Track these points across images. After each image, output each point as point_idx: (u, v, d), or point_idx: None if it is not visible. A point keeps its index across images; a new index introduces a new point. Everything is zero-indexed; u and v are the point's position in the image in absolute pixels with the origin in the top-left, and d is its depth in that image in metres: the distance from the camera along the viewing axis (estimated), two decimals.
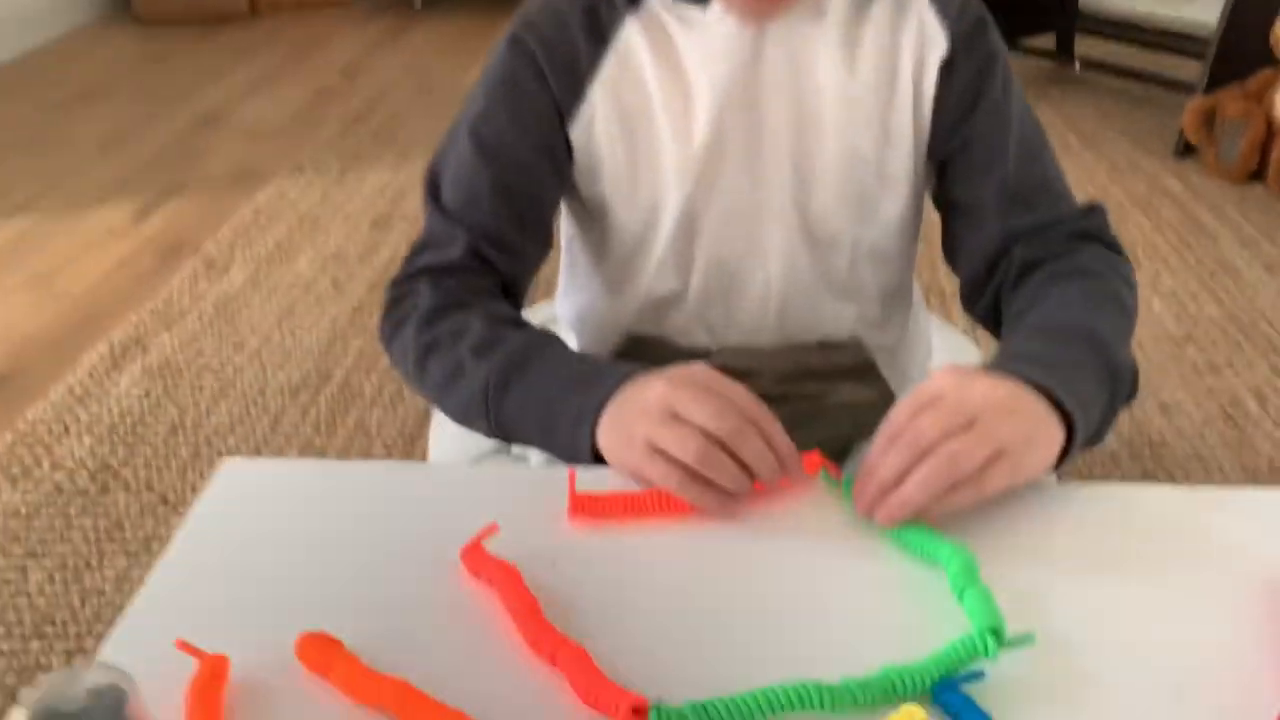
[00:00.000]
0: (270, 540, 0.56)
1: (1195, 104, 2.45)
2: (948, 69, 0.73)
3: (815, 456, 0.60)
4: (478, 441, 1.01)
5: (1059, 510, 0.59)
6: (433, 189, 0.76)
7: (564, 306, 0.91)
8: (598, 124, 0.74)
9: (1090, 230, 0.74)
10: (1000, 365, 0.61)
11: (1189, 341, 1.79)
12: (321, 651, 0.48)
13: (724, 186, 0.75)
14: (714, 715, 0.44)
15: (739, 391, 0.58)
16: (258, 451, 1.53)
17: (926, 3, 0.73)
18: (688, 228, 0.77)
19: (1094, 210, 0.76)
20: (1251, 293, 1.95)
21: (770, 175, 0.74)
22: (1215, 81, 2.49)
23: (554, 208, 0.79)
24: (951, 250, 0.80)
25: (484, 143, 0.74)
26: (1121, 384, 0.64)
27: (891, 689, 0.46)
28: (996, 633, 0.48)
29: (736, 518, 0.57)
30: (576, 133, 0.74)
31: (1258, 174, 2.39)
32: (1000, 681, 0.47)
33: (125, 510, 1.41)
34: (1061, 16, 3.14)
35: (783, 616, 0.51)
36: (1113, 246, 0.75)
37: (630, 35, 0.72)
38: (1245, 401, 1.63)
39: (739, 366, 0.64)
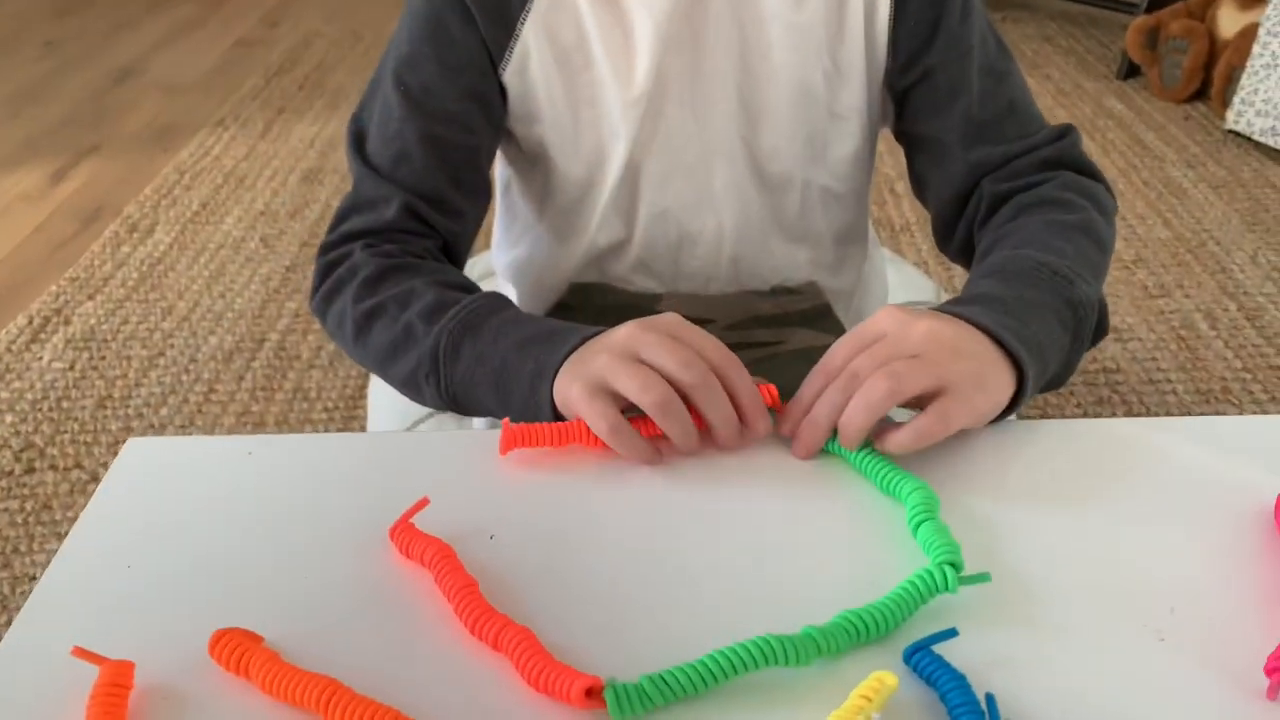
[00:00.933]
0: (181, 528, 0.51)
1: (1138, 23, 2.43)
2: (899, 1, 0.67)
3: (772, 390, 0.56)
4: (417, 407, 0.97)
5: (1017, 447, 0.56)
6: (357, 142, 0.70)
7: (500, 257, 0.85)
8: (532, 65, 0.68)
9: (1062, 157, 0.70)
10: (950, 307, 0.57)
11: (1139, 264, 1.78)
12: (239, 649, 0.43)
13: (667, 129, 0.70)
14: (674, 686, 0.41)
15: (711, 343, 0.54)
16: (191, 422, 1.46)
17: None
18: (630, 173, 0.72)
19: (1065, 134, 0.71)
20: (1199, 213, 1.94)
21: (716, 115, 0.70)
22: (1157, 1, 2.47)
23: (490, 159, 0.73)
24: (919, 187, 0.76)
25: (410, 91, 0.68)
26: (1085, 322, 0.60)
27: (854, 633, 0.43)
28: (954, 565, 0.45)
29: (656, 464, 0.54)
30: (510, 76, 0.69)
31: (1200, 93, 2.38)
32: (973, 637, 0.44)
33: (54, 490, 1.35)
34: None
35: (738, 573, 0.48)
36: (1086, 170, 0.71)
37: None
38: (1196, 323, 1.63)
39: (689, 314, 0.59)
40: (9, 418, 1.47)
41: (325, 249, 0.70)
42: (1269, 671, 0.41)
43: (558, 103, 0.70)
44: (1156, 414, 1.45)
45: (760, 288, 0.78)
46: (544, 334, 0.59)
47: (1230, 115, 2.18)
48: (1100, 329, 0.63)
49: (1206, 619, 0.45)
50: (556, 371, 0.56)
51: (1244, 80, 2.13)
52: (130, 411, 1.49)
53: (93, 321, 1.68)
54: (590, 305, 0.80)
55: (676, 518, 0.51)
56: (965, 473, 0.53)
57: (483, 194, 0.73)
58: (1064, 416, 1.44)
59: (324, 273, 0.68)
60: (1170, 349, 1.57)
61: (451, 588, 0.45)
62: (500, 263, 0.86)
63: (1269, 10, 2.07)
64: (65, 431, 1.45)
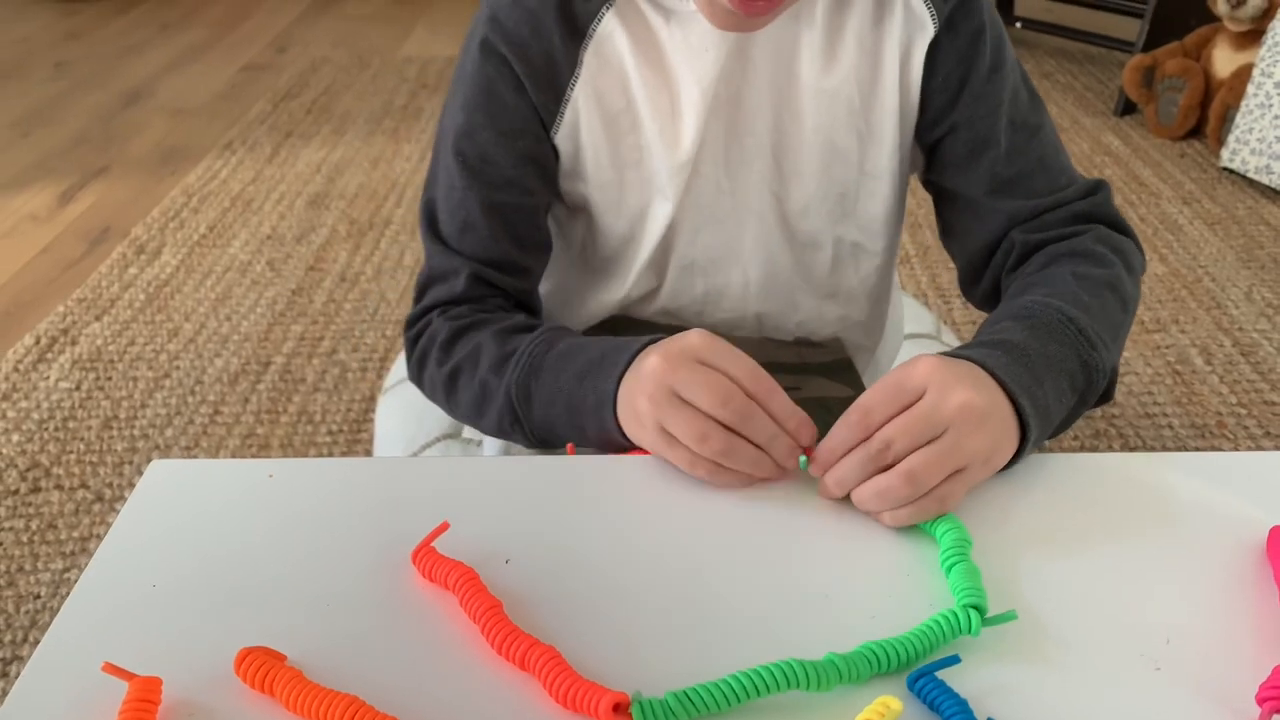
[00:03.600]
0: (205, 548, 0.52)
1: (1134, 62, 2.47)
2: (934, 51, 0.68)
3: (812, 430, 0.58)
4: (424, 428, 0.99)
5: (1018, 482, 0.58)
6: (429, 219, 0.74)
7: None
8: (582, 128, 0.70)
9: (1094, 211, 0.71)
10: (978, 351, 0.58)
11: None
12: (263, 667, 0.44)
13: (700, 186, 0.71)
14: (698, 703, 0.42)
15: (738, 362, 0.56)
16: (196, 443, 1.47)
17: None
18: (669, 229, 0.74)
19: (1097, 190, 0.72)
20: (1194, 249, 1.97)
21: (750, 174, 0.71)
22: (1154, 39, 2.51)
23: (544, 213, 0.75)
24: (947, 235, 0.77)
25: (468, 161, 0.70)
26: (1094, 386, 0.62)
27: (875, 663, 0.45)
28: (979, 609, 0.47)
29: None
30: (561, 139, 0.71)
31: (1196, 130, 2.42)
32: (975, 664, 0.45)
33: (59, 510, 1.35)
34: None
35: (761, 597, 0.49)
36: (1118, 227, 0.72)
37: (609, 29, 0.67)
38: (1192, 358, 1.65)
39: None
40: (15, 437, 1.48)
41: (410, 323, 0.74)
42: (1260, 701, 0.43)
43: (604, 164, 0.71)
44: (1153, 448, 1.46)
45: (784, 339, 0.80)
46: (595, 363, 0.61)
47: (1225, 153, 2.21)
48: (1107, 394, 0.64)
49: (1201, 650, 0.47)
50: (615, 400, 0.59)
51: (1238, 119, 2.16)
52: (136, 432, 1.50)
53: (99, 342, 1.70)
54: (614, 334, 0.81)
55: (699, 539, 0.53)
56: (965, 506, 0.55)
57: (545, 248, 0.76)
58: (1061, 450, 1.46)
59: (411, 345, 0.73)
60: (1166, 384, 1.59)
61: (477, 609, 0.46)
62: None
63: (1263, 51, 2.10)
64: (71, 451, 1.46)
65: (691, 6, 0.65)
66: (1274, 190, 2.14)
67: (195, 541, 0.53)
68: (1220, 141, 2.25)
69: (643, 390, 0.56)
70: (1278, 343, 1.68)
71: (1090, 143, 2.43)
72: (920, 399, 0.53)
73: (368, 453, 1.44)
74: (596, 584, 0.50)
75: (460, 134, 0.70)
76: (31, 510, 1.35)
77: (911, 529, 0.53)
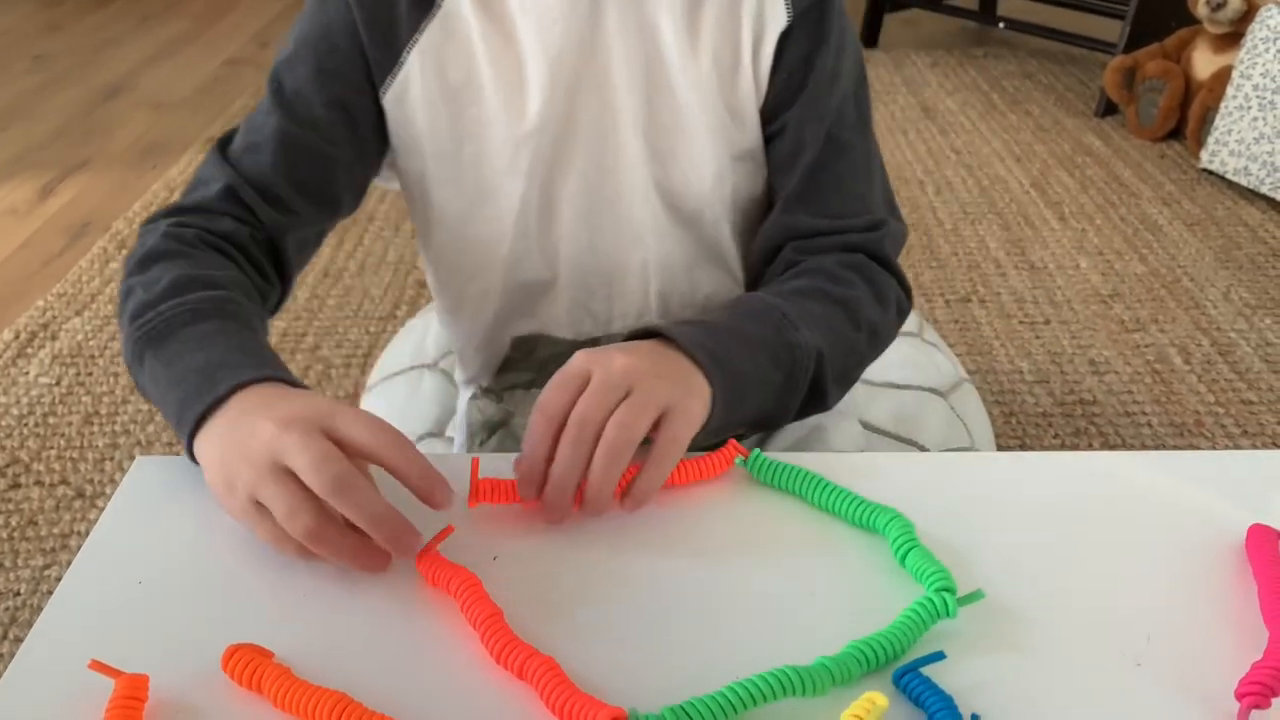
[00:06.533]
0: (191, 545, 0.52)
1: (1115, 63, 2.49)
2: (783, 43, 0.68)
3: (732, 445, 0.58)
4: (407, 426, 0.98)
5: (997, 480, 0.58)
6: (223, 139, 0.71)
7: (437, 310, 0.87)
8: (414, 94, 0.69)
9: (863, 244, 0.70)
10: (661, 325, 0.59)
11: (1116, 299, 1.82)
12: (251, 664, 0.44)
13: (578, 168, 0.71)
14: (694, 717, 0.42)
15: (368, 430, 0.50)
16: (178, 440, 1.46)
17: None
18: (544, 213, 0.72)
19: (877, 227, 0.71)
20: (1174, 249, 1.99)
21: (627, 154, 0.70)
22: (1135, 40, 2.53)
23: (345, 173, 0.71)
24: (751, 231, 0.76)
25: (282, 90, 0.68)
26: (801, 366, 0.61)
27: (865, 661, 0.45)
28: (949, 590, 0.47)
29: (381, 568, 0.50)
30: (390, 101, 0.69)
31: (1176, 132, 2.44)
32: (959, 660, 0.46)
33: (39, 506, 1.34)
34: None
35: (740, 607, 0.50)
36: (882, 262, 0.71)
37: (457, 1, 0.67)
38: (1171, 357, 1.66)
39: None
40: None
41: (147, 221, 0.68)
42: (1239, 696, 0.44)
43: (442, 135, 0.70)
44: (1132, 446, 1.48)
45: (693, 317, 0.80)
46: (204, 369, 0.54)
47: (1205, 155, 2.23)
48: (818, 388, 0.63)
49: (1181, 646, 0.47)
50: (195, 428, 0.53)
51: (1218, 121, 2.18)
52: (117, 428, 1.49)
53: (80, 337, 1.68)
54: (533, 358, 0.81)
55: (663, 558, 0.53)
56: (944, 504, 0.55)
57: (321, 201, 0.70)
58: (1042, 448, 1.47)
59: (134, 248, 0.67)
60: (1145, 382, 1.61)
61: (477, 616, 0.46)
62: (446, 333, 0.88)
63: (1242, 54, 2.13)
64: (51, 447, 1.45)
65: None
66: (1252, 191, 2.16)
67: (182, 538, 0.52)
68: (1200, 143, 2.28)
69: (247, 455, 0.49)
70: (1255, 342, 1.70)
71: (1071, 143, 2.45)
72: (589, 379, 0.53)
73: None
74: (588, 592, 0.50)
75: (283, 61, 0.69)
76: (11, 507, 1.34)
77: (851, 527, 0.54)
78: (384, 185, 0.79)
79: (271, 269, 0.69)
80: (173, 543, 0.52)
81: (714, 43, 0.68)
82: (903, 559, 0.50)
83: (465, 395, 0.89)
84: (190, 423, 0.53)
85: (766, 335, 0.61)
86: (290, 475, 0.48)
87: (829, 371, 0.64)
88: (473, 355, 0.84)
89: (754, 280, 0.75)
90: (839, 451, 0.81)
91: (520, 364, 0.82)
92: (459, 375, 0.89)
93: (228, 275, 0.63)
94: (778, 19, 0.68)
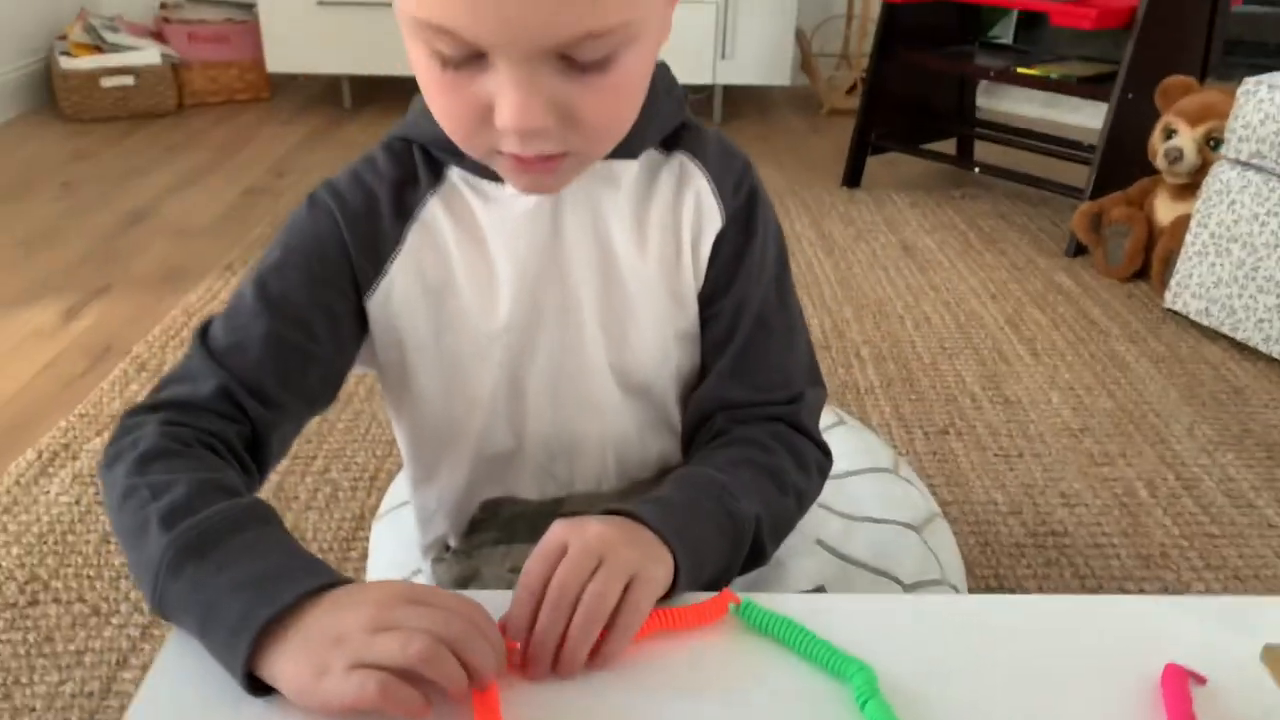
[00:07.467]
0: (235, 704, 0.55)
1: (1083, 208, 2.65)
2: (718, 242, 0.78)
3: (727, 594, 0.65)
4: (413, 555, 1.05)
5: (956, 624, 0.65)
6: (202, 330, 0.74)
7: (404, 484, 0.95)
8: (396, 296, 0.76)
9: (784, 415, 0.80)
10: (628, 505, 0.66)
11: (1085, 433, 1.92)
12: None
13: (544, 352, 0.79)
14: None
15: (454, 599, 0.58)
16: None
17: (704, 180, 0.77)
18: (513, 393, 0.80)
19: (796, 400, 0.81)
20: (1140, 386, 2.09)
21: (586, 340, 0.79)
22: (1101, 187, 2.70)
23: (327, 370, 0.76)
24: (684, 402, 0.86)
25: (269, 294, 0.72)
26: (743, 531, 0.70)
27: None
28: None
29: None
30: (374, 306, 0.76)
31: (1142, 272, 2.58)
32: None
33: (56, 623, 1.40)
34: (961, 123, 3.37)
35: None
36: (802, 430, 0.80)
37: (434, 212, 0.75)
38: (1138, 491, 1.75)
39: (589, 510, 0.68)
40: (15, 550, 1.53)
41: (130, 412, 0.70)
42: None
43: (421, 329, 0.77)
44: (1101, 578, 1.55)
45: (648, 478, 0.86)
46: (265, 576, 0.56)
47: (1168, 296, 2.36)
48: (757, 549, 0.72)
49: None
50: (260, 634, 0.54)
51: (1179, 265, 2.33)
52: None
53: (100, 458, 1.76)
54: (499, 518, 0.88)
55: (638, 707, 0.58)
56: (908, 647, 0.62)
57: (306, 398, 0.75)
58: (1015, 579, 1.54)
59: (117, 436, 0.68)
60: (1114, 515, 1.69)
61: None
62: (405, 489, 0.94)
63: (1198, 204, 2.28)
64: (69, 565, 1.51)
65: (508, 191, 0.73)
66: (1214, 331, 2.29)
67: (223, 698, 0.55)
68: (1164, 284, 2.42)
69: (340, 635, 0.53)
70: (1217, 477, 1.79)
71: (1044, 281, 2.59)
72: (566, 550, 0.61)
73: (357, 572, 1.50)
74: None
75: (269, 267, 0.73)
76: (29, 623, 1.40)
77: (822, 673, 0.60)
78: (359, 372, 0.84)
79: (253, 464, 0.72)
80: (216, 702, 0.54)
81: (658, 242, 0.78)
82: (862, 706, 0.57)
83: (425, 562, 0.95)
84: (255, 628, 0.54)
85: (712, 508, 0.70)
86: (399, 628, 0.53)
87: (765, 532, 0.72)
88: (441, 520, 0.90)
89: (687, 442, 0.84)
90: (796, 582, 0.89)
91: (487, 524, 0.89)
92: (420, 541, 0.94)
93: (234, 478, 0.66)
94: (713, 221, 0.77)
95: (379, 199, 0.75)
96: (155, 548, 0.58)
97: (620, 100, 0.65)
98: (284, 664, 0.53)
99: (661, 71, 0.74)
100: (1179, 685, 0.59)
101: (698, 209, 0.78)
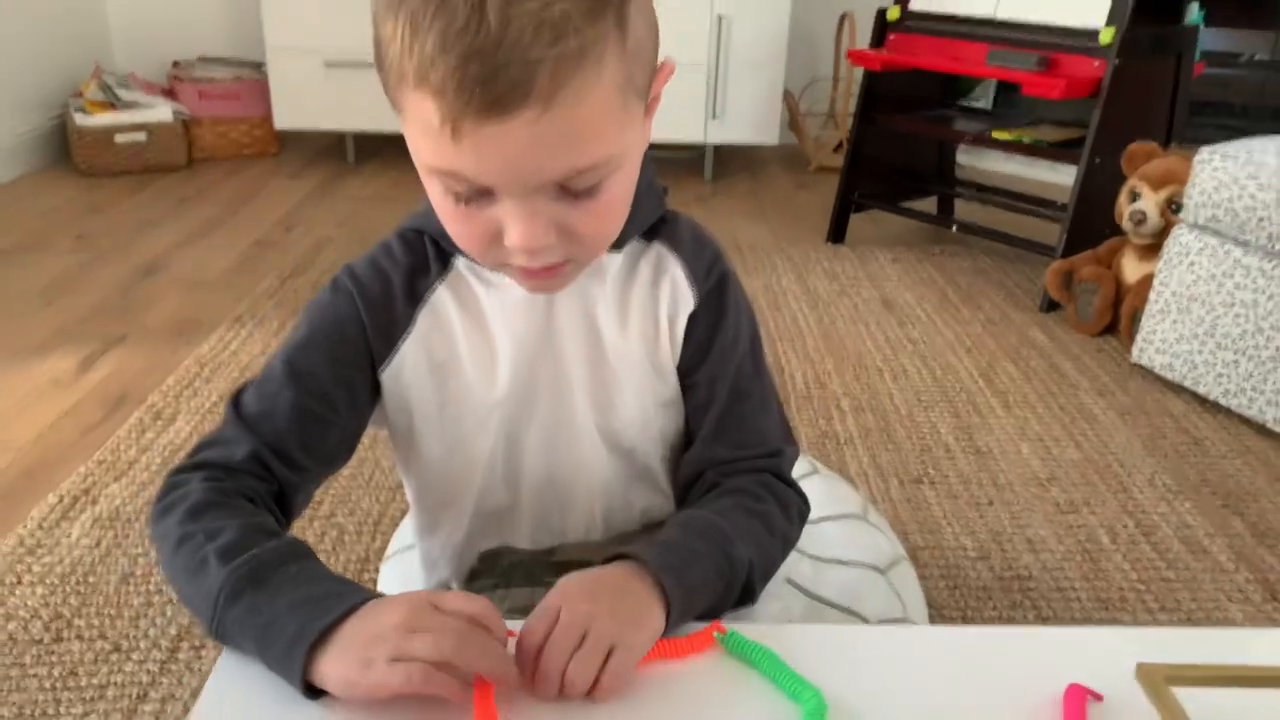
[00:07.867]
0: None
1: (1055, 266, 2.78)
2: (692, 323, 0.87)
3: (715, 625, 0.74)
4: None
5: (906, 655, 0.75)
6: (236, 396, 0.84)
7: (414, 525, 1.04)
8: (407, 371, 0.85)
9: (767, 467, 0.89)
10: (635, 548, 0.74)
11: (1053, 482, 2.03)
12: None
13: (539, 419, 0.88)
14: None
15: (468, 601, 0.66)
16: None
17: (679, 267, 0.87)
18: (510, 457, 0.89)
19: (776, 454, 0.90)
20: (1106, 437, 2.21)
21: (577, 409, 0.88)
22: (1072, 245, 2.83)
23: (344, 434, 0.85)
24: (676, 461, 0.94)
25: (296, 369, 0.82)
26: (737, 573, 0.79)
27: None
28: None
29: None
30: (387, 378, 0.85)
31: (1111, 328, 2.71)
32: None
33: (79, 659, 1.49)
34: (941, 182, 3.52)
35: None
36: (785, 480, 0.90)
37: (442, 297, 0.85)
38: (1099, 537, 1.86)
39: (577, 557, 0.79)
40: (39, 590, 1.63)
41: (174, 471, 0.79)
42: None
43: (428, 399, 0.86)
44: (1063, 619, 1.65)
45: (632, 529, 0.95)
46: (314, 598, 0.66)
47: (1135, 350, 2.48)
48: (748, 589, 0.80)
49: None
50: (316, 644, 0.63)
51: (1144, 322, 2.45)
52: (151, 587, 1.65)
53: (118, 502, 1.86)
54: (497, 567, 0.96)
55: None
56: (832, 670, 0.71)
57: (326, 460, 0.85)
58: (982, 619, 1.64)
59: (164, 492, 0.77)
60: (1076, 560, 1.79)
61: None
62: (419, 549, 1.03)
63: (1160, 264, 2.41)
64: (91, 604, 1.60)
65: (508, 279, 0.81)
66: (1178, 385, 2.40)
67: None
68: (1132, 339, 2.54)
69: (378, 634, 0.62)
70: (1174, 524, 1.90)
71: (1017, 336, 2.71)
72: (559, 615, 0.68)
73: None
74: None
75: (297, 345, 0.83)
76: (54, 659, 1.49)
77: (782, 697, 0.69)
78: (371, 430, 0.95)
79: (282, 516, 0.82)
80: None
81: (639, 322, 0.87)
82: None
83: None
84: (311, 637, 0.63)
85: (712, 550, 0.79)
86: (432, 624, 0.63)
87: (756, 574, 0.82)
88: (444, 565, 0.99)
89: (681, 498, 0.94)
90: (769, 619, 0.99)
91: (486, 573, 0.97)
92: (425, 582, 1.03)
93: (273, 523, 0.76)
94: (687, 303, 0.86)
95: (394, 284, 0.84)
96: (214, 580, 0.68)
97: (610, 215, 0.75)
98: (331, 664, 0.63)
99: (645, 167, 0.85)
100: (1078, 703, 0.70)
101: (673, 292, 0.88)
